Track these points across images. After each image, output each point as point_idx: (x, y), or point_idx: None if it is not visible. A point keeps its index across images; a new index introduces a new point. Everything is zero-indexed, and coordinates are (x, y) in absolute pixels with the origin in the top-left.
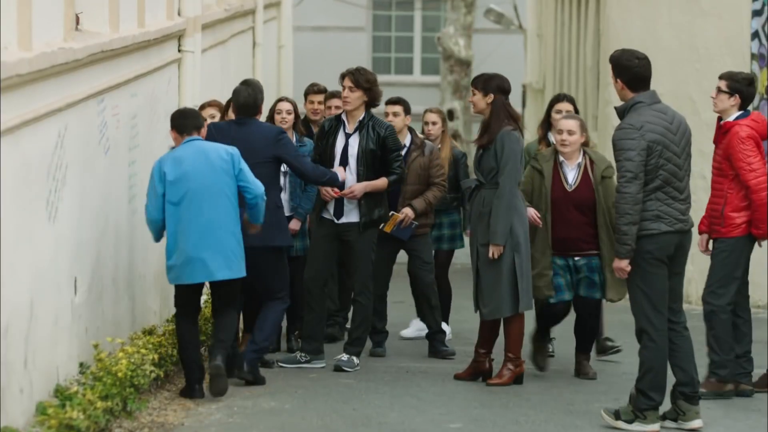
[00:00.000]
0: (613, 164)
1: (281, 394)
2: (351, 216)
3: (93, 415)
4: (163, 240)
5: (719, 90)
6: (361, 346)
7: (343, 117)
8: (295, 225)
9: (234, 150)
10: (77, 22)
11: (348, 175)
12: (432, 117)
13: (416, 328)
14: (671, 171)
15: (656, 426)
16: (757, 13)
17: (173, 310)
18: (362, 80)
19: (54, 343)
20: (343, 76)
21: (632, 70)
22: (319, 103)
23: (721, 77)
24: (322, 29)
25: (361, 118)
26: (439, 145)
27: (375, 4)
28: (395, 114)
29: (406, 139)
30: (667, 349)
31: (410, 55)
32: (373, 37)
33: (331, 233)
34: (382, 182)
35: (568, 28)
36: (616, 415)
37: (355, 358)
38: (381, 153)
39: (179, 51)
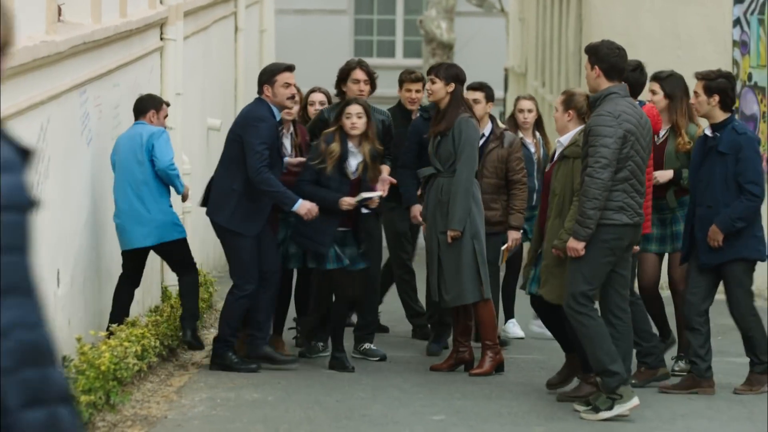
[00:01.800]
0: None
1: (264, 386)
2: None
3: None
4: None
5: None
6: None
7: None
8: None
9: (156, 130)
10: (59, 14)
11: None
12: (527, 104)
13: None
14: (638, 163)
15: (635, 400)
16: (738, 1)
17: (156, 301)
18: (371, 72)
19: None
20: (351, 69)
21: (611, 59)
22: (417, 91)
23: None
24: (304, 12)
25: None
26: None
27: None
28: (476, 101)
29: (486, 129)
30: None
31: (392, 38)
32: (355, 20)
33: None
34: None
35: (550, 12)
36: (596, 409)
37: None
38: (385, 139)
39: (161, 39)
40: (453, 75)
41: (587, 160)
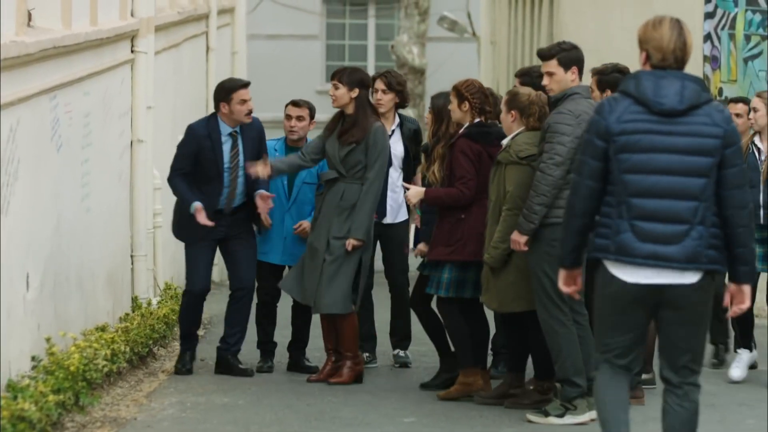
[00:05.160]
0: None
1: (235, 390)
2: (398, 216)
3: (45, 407)
4: (115, 239)
5: None
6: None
7: None
8: None
9: None
10: (30, 19)
11: (393, 172)
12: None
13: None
14: None
15: (587, 416)
16: (709, 16)
17: (126, 309)
18: (394, 83)
19: (6, 338)
20: (374, 79)
21: (582, 62)
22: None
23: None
24: (275, 37)
25: (394, 119)
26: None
27: (329, 12)
28: None
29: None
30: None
31: (364, 64)
32: (326, 45)
33: (375, 234)
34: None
35: (521, 34)
36: (545, 413)
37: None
38: (414, 147)
39: (132, 51)
40: (357, 80)
41: (542, 155)
